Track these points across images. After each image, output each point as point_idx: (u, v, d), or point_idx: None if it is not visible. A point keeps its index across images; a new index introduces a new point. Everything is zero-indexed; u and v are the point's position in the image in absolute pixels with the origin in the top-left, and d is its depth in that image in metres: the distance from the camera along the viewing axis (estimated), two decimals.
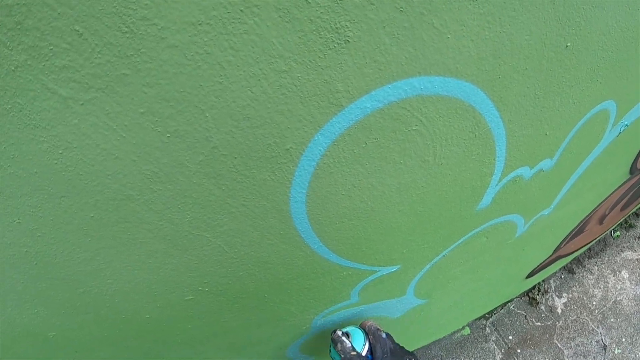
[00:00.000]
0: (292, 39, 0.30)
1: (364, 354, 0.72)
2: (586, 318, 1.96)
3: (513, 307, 1.92)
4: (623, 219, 2.05)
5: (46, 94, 0.30)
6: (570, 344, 1.90)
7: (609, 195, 1.43)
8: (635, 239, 2.16)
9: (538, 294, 1.93)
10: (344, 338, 0.73)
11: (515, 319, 1.90)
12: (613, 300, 2.02)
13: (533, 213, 0.96)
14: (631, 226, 2.18)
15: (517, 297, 1.93)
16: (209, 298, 0.53)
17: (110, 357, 0.64)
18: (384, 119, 0.41)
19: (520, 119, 0.59)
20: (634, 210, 2.09)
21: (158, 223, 0.40)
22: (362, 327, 0.79)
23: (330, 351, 0.77)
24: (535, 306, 1.92)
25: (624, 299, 2.03)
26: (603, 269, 2.07)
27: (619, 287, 2.05)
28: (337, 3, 0.30)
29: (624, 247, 2.13)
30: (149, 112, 0.31)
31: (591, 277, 2.04)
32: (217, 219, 0.42)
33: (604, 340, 1.93)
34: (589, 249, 2.06)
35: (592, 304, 1.99)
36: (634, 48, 0.62)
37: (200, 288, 0.51)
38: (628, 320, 1.98)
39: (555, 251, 1.54)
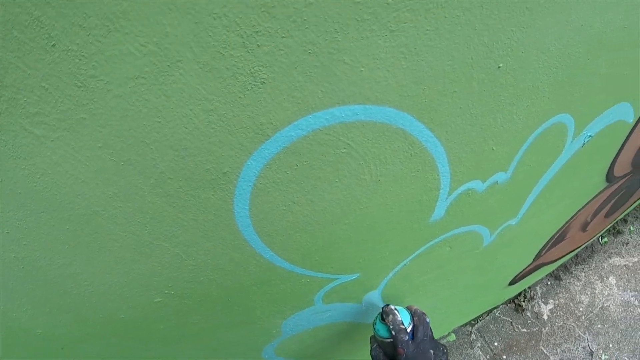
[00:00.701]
0: (214, 84, 0.37)
1: (408, 331, 0.81)
2: (573, 324, 1.99)
3: (499, 313, 1.96)
4: (610, 225, 2.08)
5: (24, 133, 0.38)
6: (556, 350, 1.93)
7: (587, 203, 1.47)
8: (623, 245, 2.19)
9: (524, 301, 1.97)
10: (396, 312, 0.82)
11: (501, 325, 1.94)
12: (600, 306, 2.04)
13: (497, 224, 1.02)
14: (619, 232, 2.21)
15: (502, 304, 1.97)
16: (175, 300, 0.61)
17: (95, 353, 0.71)
18: (310, 145, 0.48)
19: (459, 137, 0.65)
20: (621, 216, 2.12)
21: (122, 234, 0.48)
22: (408, 309, 0.87)
23: (376, 324, 0.85)
24: (521, 312, 1.96)
25: (611, 305, 2.05)
26: (590, 275, 2.10)
27: (606, 293, 2.07)
28: (249, 52, 0.37)
29: (611, 253, 2.16)
30: (105, 146, 0.39)
31: (578, 283, 2.07)
32: (173, 231, 0.49)
33: (590, 347, 1.95)
34: (576, 255, 2.10)
35: (579, 310, 2.01)
36: (582, 63, 0.66)
37: (166, 291, 0.59)
38: (615, 326, 2.00)
39: (536, 259, 1.59)
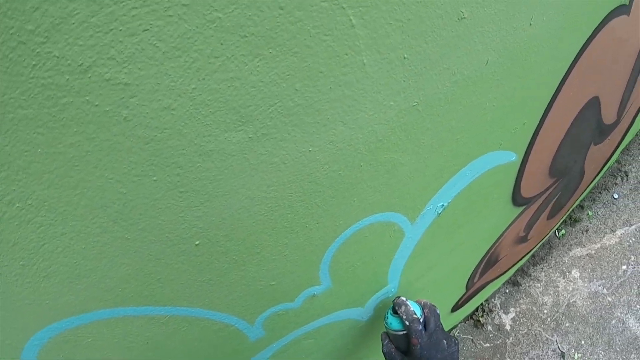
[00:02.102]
0: None
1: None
2: (538, 328, 1.86)
3: (458, 333, 1.85)
4: (562, 219, 1.93)
5: None
6: (524, 359, 1.81)
7: (508, 228, 1.34)
8: (582, 232, 2.04)
9: (482, 315, 1.85)
10: (408, 303, 0.80)
11: (462, 344, 1.83)
12: (566, 303, 1.91)
13: (362, 302, 0.90)
14: (576, 221, 2.05)
15: (460, 323, 1.85)
16: None
17: None
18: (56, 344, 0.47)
19: (207, 297, 0.56)
20: (574, 206, 1.97)
21: None
22: (417, 302, 0.83)
23: (387, 318, 0.82)
24: (481, 327, 1.84)
25: (577, 300, 1.92)
26: (551, 274, 1.96)
27: (570, 289, 1.94)
28: None
29: (571, 245, 2.01)
30: None
31: (538, 284, 1.94)
32: None
33: (560, 348, 1.83)
34: (533, 256, 1.95)
35: (543, 313, 1.89)
36: (355, 175, 0.55)
37: None
38: (585, 321, 1.87)
39: (469, 287, 1.46)
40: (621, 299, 1.89)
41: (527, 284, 1.92)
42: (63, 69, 0.30)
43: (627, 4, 1.04)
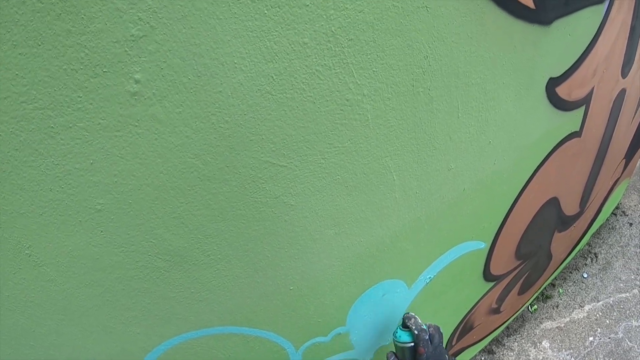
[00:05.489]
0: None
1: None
2: None
3: None
4: (534, 296, 2.39)
5: None
6: None
7: (480, 299, 1.77)
8: (553, 308, 2.50)
9: None
10: (417, 316, 1.04)
11: None
12: None
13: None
14: (548, 297, 2.52)
15: None
16: None
17: None
18: (176, 350, 0.82)
19: (283, 325, 0.95)
20: (546, 284, 2.45)
21: None
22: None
23: (397, 332, 1.05)
24: None
25: None
26: (523, 344, 2.39)
27: (540, 358, 2.36)
28: None
29: (542, 318, 2.47)
30: None
31: (511, 353, 2.36)
32: None
33: None
34: (507, 327, 2.39)
35: None
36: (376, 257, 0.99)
37: None
38: None
39: (448, 348, 1.87)
40: None
41: (501, 352, 2.34)
42: (267, 195, 0.74)
43: (578, 129, 1.55)
